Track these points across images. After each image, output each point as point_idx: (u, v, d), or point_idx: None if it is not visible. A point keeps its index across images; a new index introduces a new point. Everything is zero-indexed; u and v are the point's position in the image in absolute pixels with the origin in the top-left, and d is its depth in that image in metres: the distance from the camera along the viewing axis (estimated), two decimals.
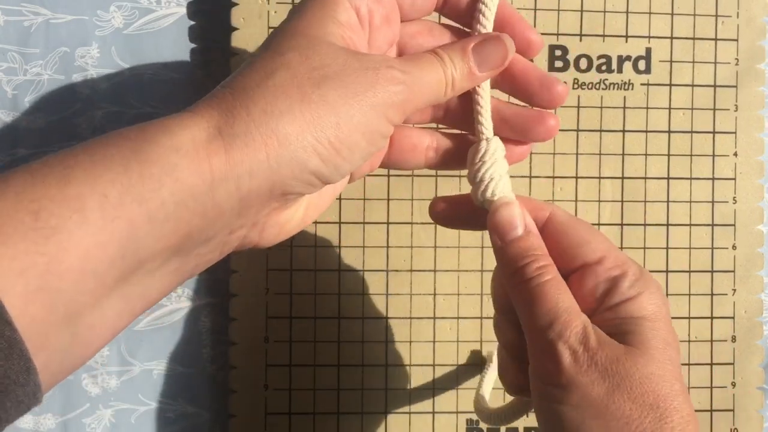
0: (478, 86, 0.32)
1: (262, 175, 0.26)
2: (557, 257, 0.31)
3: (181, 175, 0.25)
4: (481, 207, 0.32)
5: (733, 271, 0.44)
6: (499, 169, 0.32)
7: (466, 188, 0.33)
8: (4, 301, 0.22)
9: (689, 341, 0.44)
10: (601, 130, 0.44)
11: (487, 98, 0.32)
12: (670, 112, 0.44)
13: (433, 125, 0.35)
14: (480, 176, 0.32)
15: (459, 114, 0.34)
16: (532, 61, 0.33)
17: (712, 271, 0.44)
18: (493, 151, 0.32)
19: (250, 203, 0.27)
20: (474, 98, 0.32)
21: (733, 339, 0.44)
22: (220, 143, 0.26)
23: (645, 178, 0.44)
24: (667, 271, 0.44)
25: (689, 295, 0.44)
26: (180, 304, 0.43)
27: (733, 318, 0.44)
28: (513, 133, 0.33)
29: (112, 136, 0.26)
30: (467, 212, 0.33)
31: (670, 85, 0.44)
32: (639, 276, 0.30)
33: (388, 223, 0.43)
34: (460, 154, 0.33)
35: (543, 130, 0.33)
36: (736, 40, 0.44)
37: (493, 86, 0.33)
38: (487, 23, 0.32)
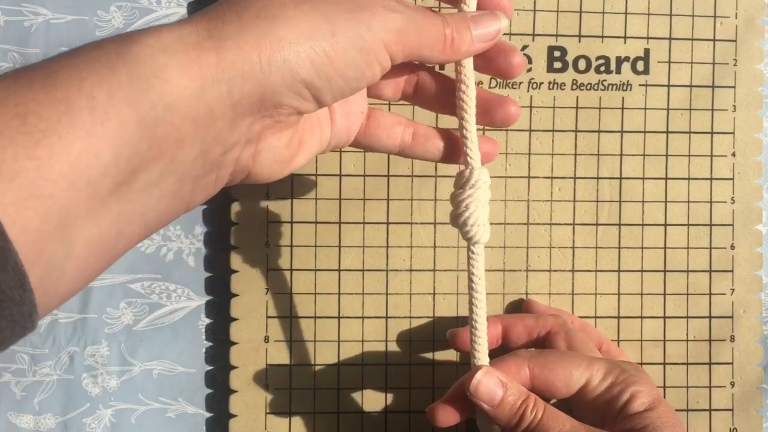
0: (465, 115, 0.33)
1: (254, 78, 0.25)
2: (555, 393, 0.36)
3: (170, 76, 0.24)
4: (455, 227, 0.34)
5: (732, 271, 0.44)
6: (479, 200, 0.33)
7: None
8: None
9: (688, 341, 0.44)
10: (599, 131, 0.44)
11: (473, 126, 0.33)
12: (668, 113, 0.44)
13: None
14: (461, 202, 0.33)
15: (428, 94, 0.34)
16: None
17: (710, 271, 0.44)
18: (476, 180, 0.33)
19: (243, 111, 0.26)
20: (461, 125, 0.33)
21: (732, 339, 0.44)
22: (210, 44, 0.25)
23: (643, 178, 0.44)
24: (665, 271, 0.44)
25: (687, 294, 0.44)
26: (180, 304, 0.43)
27: (731, 318, 0.44)
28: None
29: (96, 41, 0.24)
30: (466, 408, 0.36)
31: (669, 85, 0.44)
32: (623, 376, 0.35)
33: (388, 223, 0.43)
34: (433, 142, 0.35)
35: (503, 114, 0.33)
36: (735, 40, 0.44)
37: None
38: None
